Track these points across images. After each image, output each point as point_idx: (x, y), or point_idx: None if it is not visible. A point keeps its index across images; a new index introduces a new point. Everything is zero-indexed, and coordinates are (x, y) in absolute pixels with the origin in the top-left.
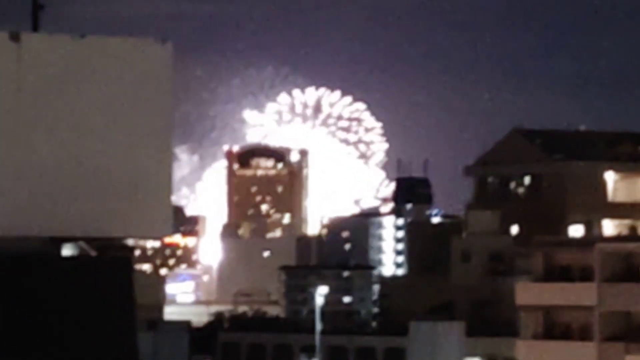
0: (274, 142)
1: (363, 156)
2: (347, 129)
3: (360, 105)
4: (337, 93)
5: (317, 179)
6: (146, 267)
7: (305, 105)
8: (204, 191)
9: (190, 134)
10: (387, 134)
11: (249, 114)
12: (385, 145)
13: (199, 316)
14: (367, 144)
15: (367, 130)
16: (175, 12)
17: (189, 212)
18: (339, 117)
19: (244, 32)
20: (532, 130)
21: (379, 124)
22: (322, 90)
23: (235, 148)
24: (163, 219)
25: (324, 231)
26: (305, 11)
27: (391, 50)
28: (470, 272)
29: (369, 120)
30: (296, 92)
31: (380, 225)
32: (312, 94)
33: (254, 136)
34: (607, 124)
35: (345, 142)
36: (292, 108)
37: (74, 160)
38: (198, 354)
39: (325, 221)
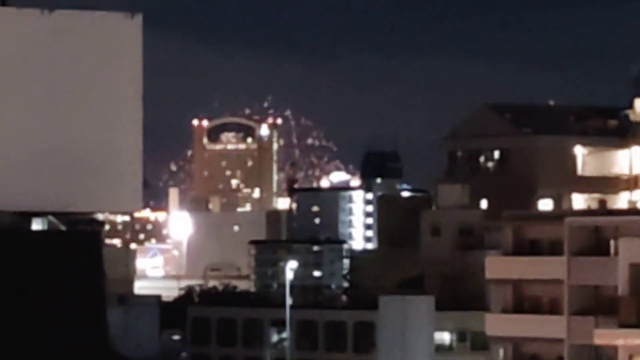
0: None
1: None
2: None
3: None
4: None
5: (285, 153)
6: (116, 241)
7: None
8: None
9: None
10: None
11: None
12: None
13: (169, 291)
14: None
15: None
16: None
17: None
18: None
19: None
20: (501, 105)
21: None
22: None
23: (205, 122)
24: (132, 193)
25: (294, 205)
26: None
27: (361, 23)
28: (440, 247)
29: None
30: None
31: (350, 200)
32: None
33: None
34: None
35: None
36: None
37: (43, 135)
38: (168, 328)
39: (295, 195)
